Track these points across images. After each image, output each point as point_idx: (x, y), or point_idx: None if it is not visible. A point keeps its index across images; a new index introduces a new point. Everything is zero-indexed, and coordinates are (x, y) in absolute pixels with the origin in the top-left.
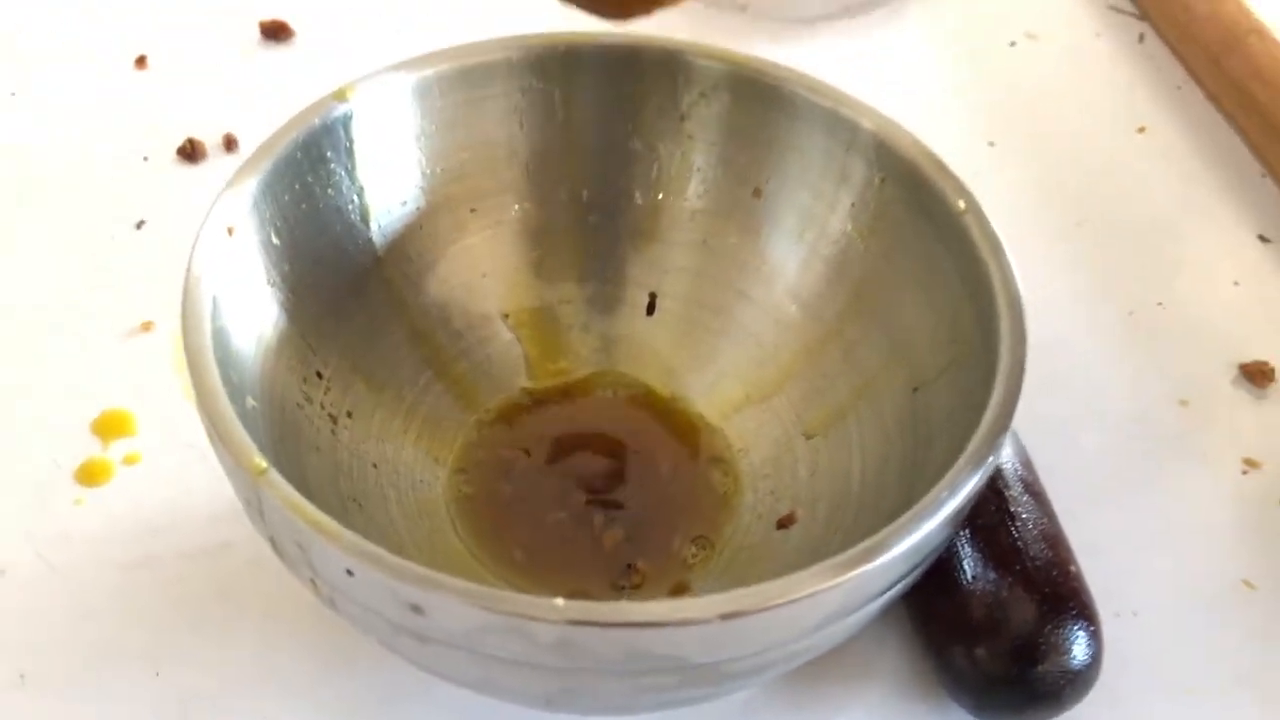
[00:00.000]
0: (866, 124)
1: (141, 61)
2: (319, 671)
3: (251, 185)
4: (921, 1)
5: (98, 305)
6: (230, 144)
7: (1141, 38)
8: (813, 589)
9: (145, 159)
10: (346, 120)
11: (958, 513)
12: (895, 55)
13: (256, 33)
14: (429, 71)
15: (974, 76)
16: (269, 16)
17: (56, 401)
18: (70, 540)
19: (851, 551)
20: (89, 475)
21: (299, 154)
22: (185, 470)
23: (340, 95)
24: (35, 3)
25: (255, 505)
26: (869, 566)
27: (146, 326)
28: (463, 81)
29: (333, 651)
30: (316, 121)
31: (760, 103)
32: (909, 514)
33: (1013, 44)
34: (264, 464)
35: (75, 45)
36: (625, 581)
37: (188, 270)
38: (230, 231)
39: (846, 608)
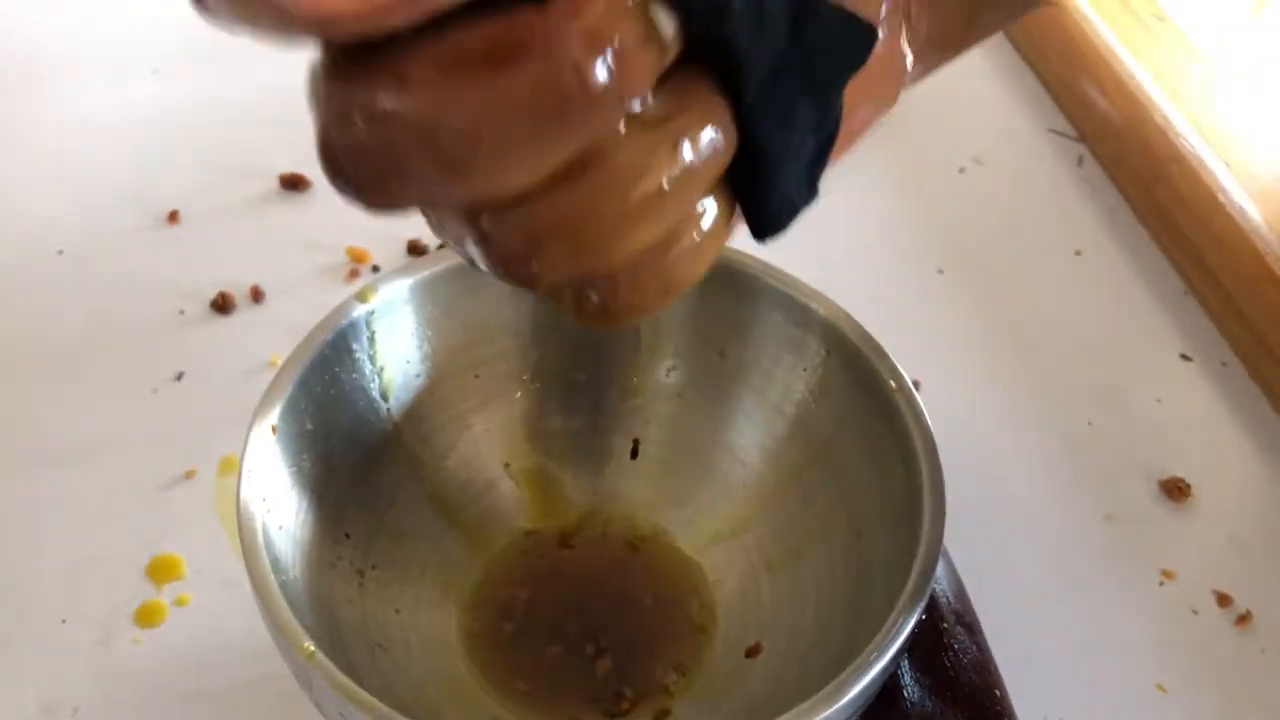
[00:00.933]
0: (816, 308)
1: (174, 216)
2: None
3: (290, 384)
4: (876, 132)
5: (143, 456)
6: (257, 295)
7: (1080, 160)
8: None
9: (181, 312)
10: (368, 316)
11: (896, 657)
12: (849, 182)
13: (276, 184)
14: (435, 269)
15: (925, 204)
16: (287, 170)
17: (112, 547)
18: (133, 678)
19: (808, 702)
20: (146, 617)
21: (328, 351)
22: (228, 608)
23: (362, 297)
24: (78, 163)
25: (305, 679)
26: (828, 711)
27: (190, 474)
28: (462, 275)
29: None
30: (343, 321)
31: (723, 282)
32: (859, 659)
33: (961, 170)
34: (311, 647)
35: (114, 202)
36: (615, 709)
37: (240, 473)
38: (274, 430)
39: None
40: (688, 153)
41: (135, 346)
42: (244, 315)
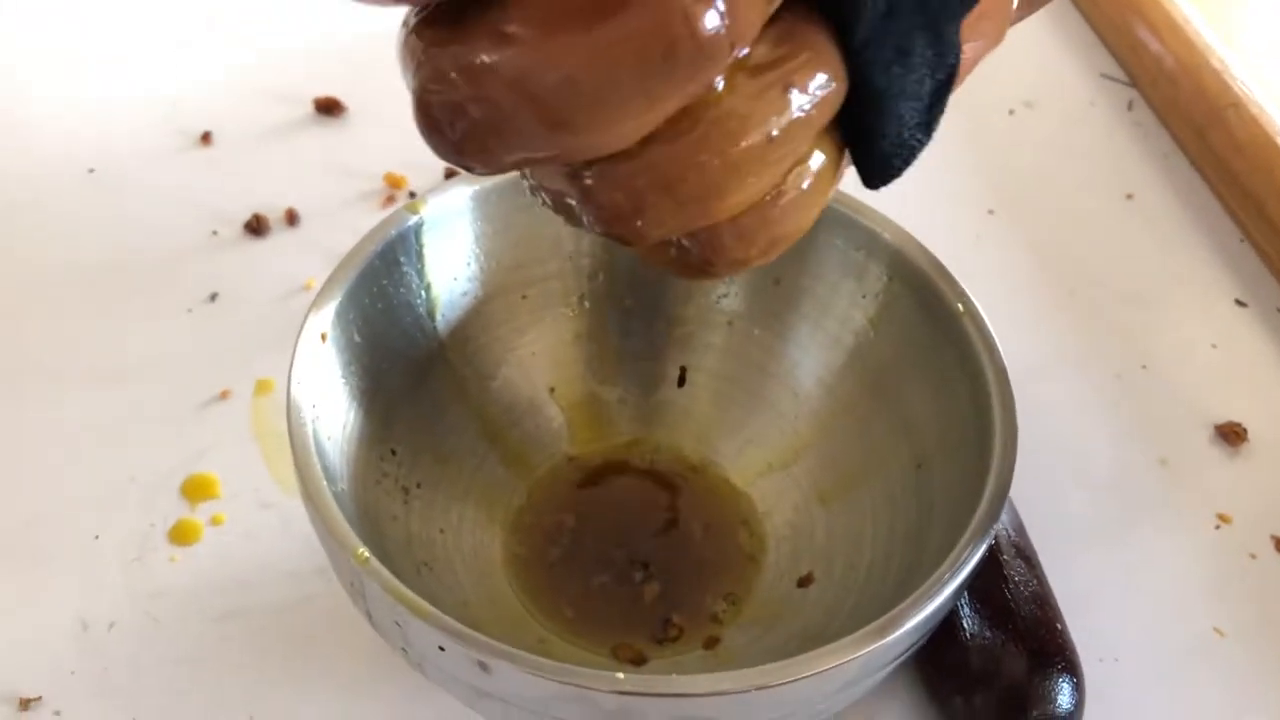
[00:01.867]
0: (884, 234)
1: (207, 138)
2: (398, 713)
3: (339, 293)
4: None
5: (179, 376)
6: (292, 218)
7: (1130, 105)
8: (835, 661)
9: (215, 233)
10: (418, 228)
11: (960, 588)
12: None
13: (311, 109)
14: (489, 183)
15: (975, 146)
16: (322, 94)
17: (148, 466)
18: (168, 595)
19: (870, 626)
20: (181, 535)
21: (378, 262)
22: (265, 529)
23: (413, 208)
24: (109, 82)
25: (357, 588)
26: (885, 640)
27: (224, 394)
28: (516, 189)
29: (415, 692)
30: (393, 232)
31: None
32: (920, 589)
33: (1011, 112)
34: (365, 553)
35: (146, 123)
36: (663, 635)
37: (289, 377)
38: (324, 338)
39: (864, 674)
40: (797, 99)
41: (169, 267)
42: (278, 238)
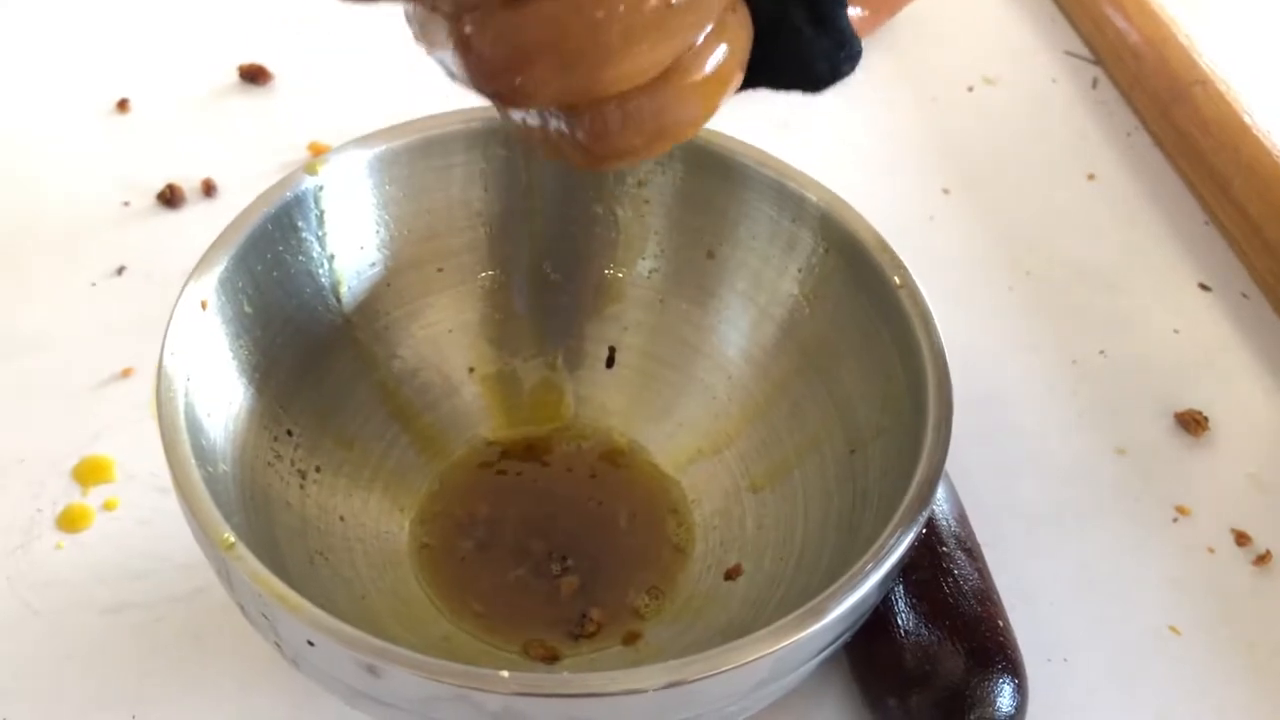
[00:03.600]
0: (812, 197)
1: (123, 105)
2: (292, 714)
3: (225, 259)
4: (882, 50)
5: (78, 352)
6: (209, 189)
7: (1095, 83)
8: (750, 656)
9: (126, 204)
10: (317, 192)
11: (886, 579)
12: (855, 101)
13: (235, 77)
14: (396, 144)
15: (932, 122)
16: (248, 60)
17: (39, 447)
18: (52, 585)
19: (789, 617)
20: (70, 521)
21: (270, 226)
22: (161, 516)
23: (310, 169)
24: (18, 44)
25: (224, 575)
26: (799, 635)
27: (126, 372)
28: (428, 151)
29: (305, 695)
30: (288, 194)
31: (713, 173)
32: (843, 578)
33: (970, 89)
34: (231, 539)
35: (59, 86)
36: (580, 631)
37: (162, 346)
38: (204, 305)
39: (779, 671)
40: None
41: (75, 239)
42: (194, 209)
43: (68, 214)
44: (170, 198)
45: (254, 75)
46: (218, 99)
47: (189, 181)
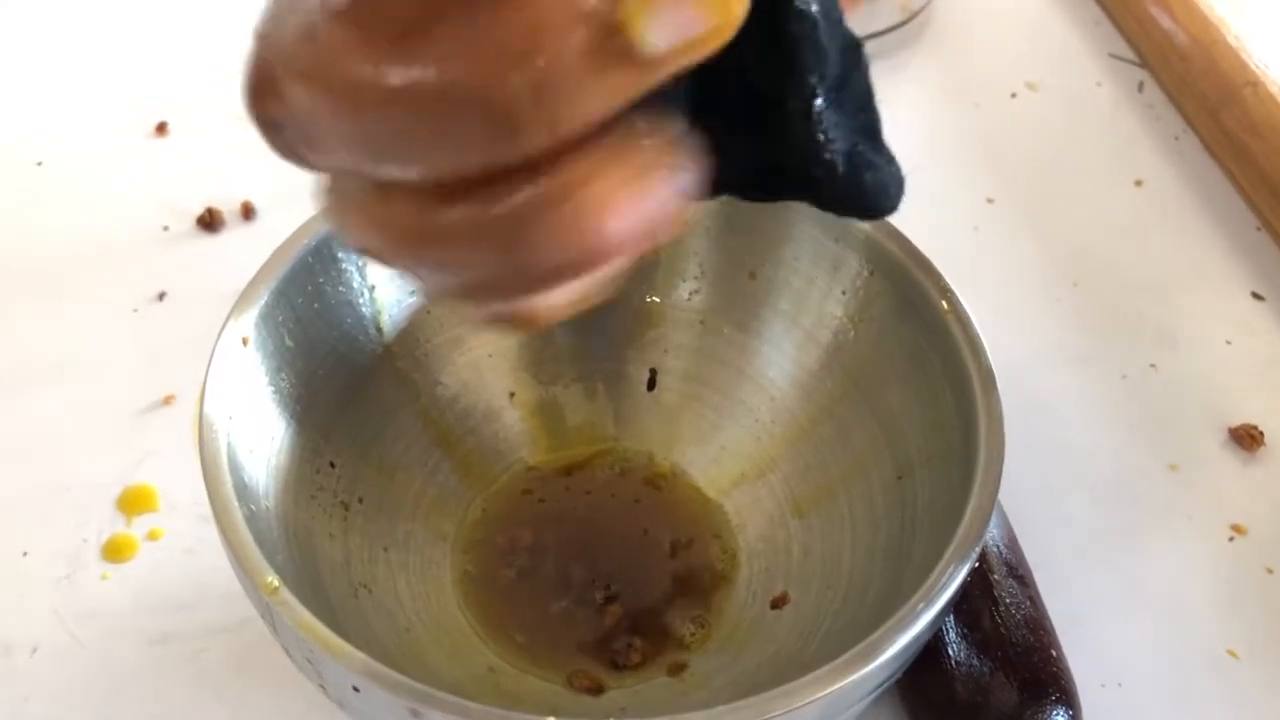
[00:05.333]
0: (858, 221)
1: (162, 128)
2: None
3: (265, 293)
4: (922, 53)
5: (120, 379)
6: (248, 212)
7: (1141, 86)
8: (801, 700)
9: (165, 229)
10: None
11: (941, 614)
12: (895, 108)
13: None
14: None
15: (974, 130)
16: None
17: (82, 476)
18: (98, 617)
19: (841, 659)
20: (115, 551)
21: (310, 258)
22: (205, 545)
23: None
24: (53, 67)
25: (269, 619)
26: (854, 676)
27: (168, 399)
28: None
29: None
30: (327, 226)
31: None
32: (895, 616)
33: (1013, 95)
34: (276, 583)
35: (97, 110)
36: (625, 661)
37: (203, 386)
38: (245, 342)
39: (834, 711)
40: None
41: (116, 264)
42: (233, 233)
43: (108, 239)
44: (209, 221)
45: None
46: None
47: (228, 204)
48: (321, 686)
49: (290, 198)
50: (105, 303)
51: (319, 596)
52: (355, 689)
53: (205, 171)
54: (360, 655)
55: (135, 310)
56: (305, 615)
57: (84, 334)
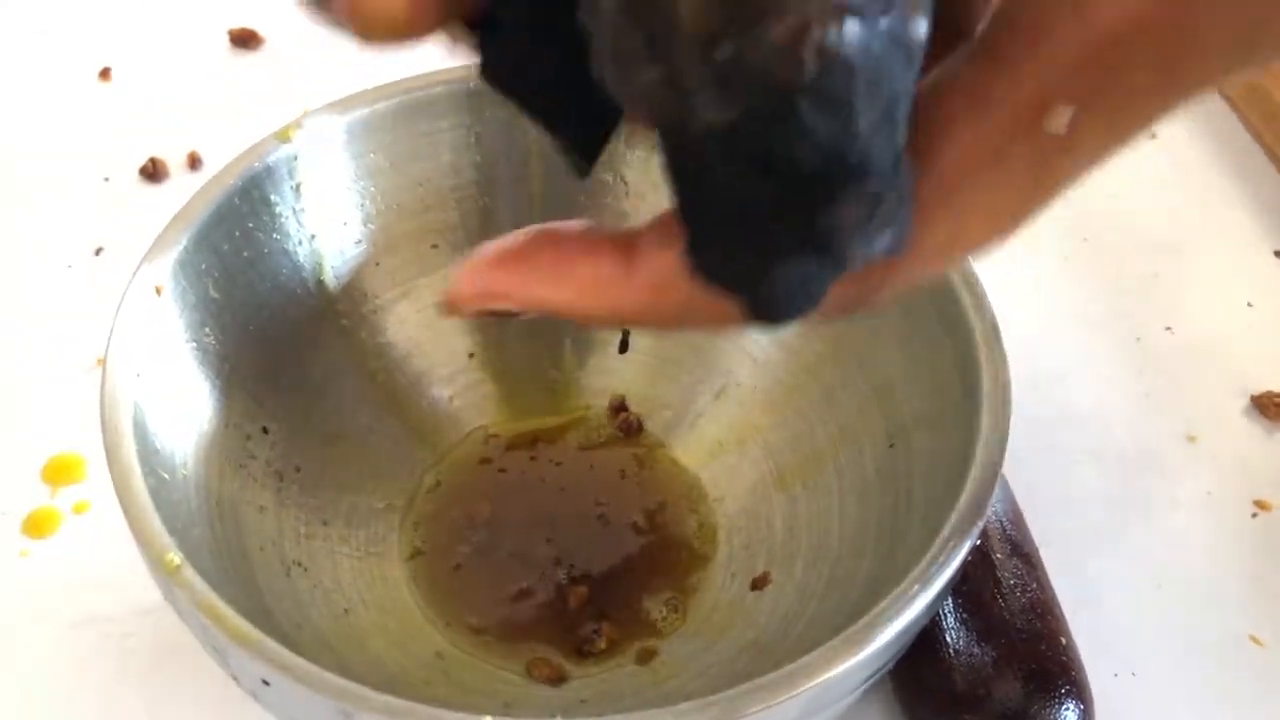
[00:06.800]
0: None
1: (105, 74)
2: None
3: (184, 238)
4: None
5: (51, 339)
6: (195, 162)
7: None
8: (783, 694)
9: (106, 179)
10: (291, 161)
11: (938, 597)
12: None
13: (225, 41)
14: (378, 106)
15: None
16: (238, 24)
17: (4, 445)
18: (15, 596)
19: (826, 646)
20: (35, 526)
21: (237, 200)
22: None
23: (282, 135)
24: None
25: (170, 600)
26: (843, 666)
27: (101, 362)
28: (413, 115)
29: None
30: (257, 164)
31: None
32: (886, 599)
33: None
34: (177, 560)
35: (37, 56)
36: (590, 648)
37: (109, 339)
38: (159, 291)
39: (820, 705)
40: None
41: (51, 216)
42: (178, 184)
43: (44, 189)
44: (153, 172)
45: (244, 40)
46: (205, 65)
47: (173, 154)
48: (234, 677)
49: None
50: (38, 257)
51: (242, 575)
52: (265, 682)
53: (150, 120)
54: (272, 644)
55: (69, 266)
56: (210, 597)
57: (13, 291)
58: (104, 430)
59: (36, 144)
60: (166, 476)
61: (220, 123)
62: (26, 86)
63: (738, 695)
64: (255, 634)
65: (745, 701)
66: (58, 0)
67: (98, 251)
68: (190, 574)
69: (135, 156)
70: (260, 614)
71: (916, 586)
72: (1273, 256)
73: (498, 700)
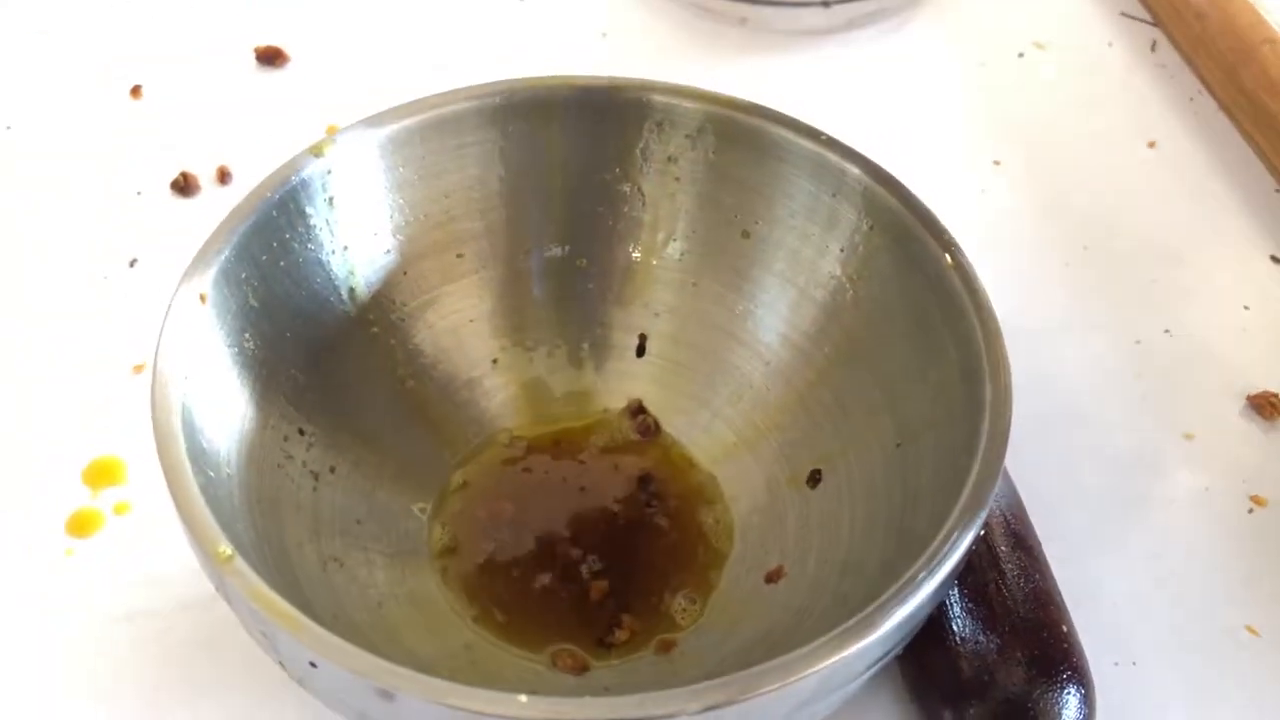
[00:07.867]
0: (854, 170)
1: (136, 91)
2: None
3: (226, 249)
4: (926, 14)
5: (89, 348)
6: (224, 176)
7: (1154, 45)
8: (794, 675)
9: (139, 193)
10: (324, 175)
11: (941, 588)
12: (899, 70)
13: (252, 59)
14: (407, 122)
15: (980, 91)
16: (264, 42)
17: (46, 449)
18: (60, 594)
19: (837, 630)
20: (79, 526)
21: (275, 212)
22: (174, 518)
23: (317, 150)
24: (30, 31)
25: (222, 590)
26: (853, 648)
27: (138, 369)
28: (441, 129)
29: (323, 709)
30: (293, 179)
31: (747, 146)
32: (895, 586)
33: (1020, 55)
34: (229, 551)
35: (71, 75)
36: (612, 639)
37: (157, 344)
38: (203, 299)
39: (830, 687)
40: None
41: (87, 229)
42: (208, 198)
43: (80, 204)
44: (184, 186)
45: (270, 57)
46: (232, 83)
47: (203, 169)
48: (280, 663)
49: (269, 162)
50: (74, 269)
51: (283, 569)
52: (313, 664)
53: (181, 136)
54: (318, 629)
55: (105, 277)
56: (260, 586)
57: (51, 301)
58: (155, 430)
59: (71, 159)
60: (212, 475)
61: (248, 138)
62: (62, 106)
63: (751, 676)
64: (303, 619)
65: (759, 681)
66: (90, 24)
67: (132, 263)
68: (241, 564)
69: (166, 171)
70: (302, 605)
71: (923, 574)
72: (1269, 262)
73: (524, 686)
